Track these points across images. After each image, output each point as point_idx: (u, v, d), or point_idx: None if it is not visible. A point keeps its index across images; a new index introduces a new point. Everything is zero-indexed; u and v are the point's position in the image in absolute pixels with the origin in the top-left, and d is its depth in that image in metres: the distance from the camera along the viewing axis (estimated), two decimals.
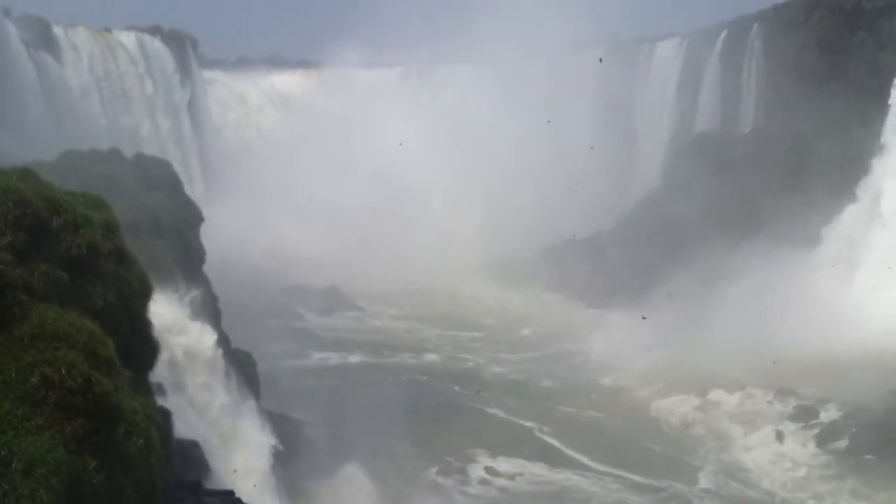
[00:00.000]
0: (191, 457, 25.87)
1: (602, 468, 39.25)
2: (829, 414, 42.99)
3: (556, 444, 41.73)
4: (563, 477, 38.45)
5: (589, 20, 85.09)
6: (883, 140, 61.40)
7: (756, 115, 75.41)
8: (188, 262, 33.40)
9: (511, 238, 74.30)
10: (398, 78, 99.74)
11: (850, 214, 60.64)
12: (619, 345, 53.85)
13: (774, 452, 40.40)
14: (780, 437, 41.49)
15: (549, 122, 71.73)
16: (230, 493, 24.66)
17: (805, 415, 43.22)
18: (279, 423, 34.76)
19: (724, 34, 79.96)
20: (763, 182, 64.90)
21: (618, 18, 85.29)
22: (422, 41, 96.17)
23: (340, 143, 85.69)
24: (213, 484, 25.45)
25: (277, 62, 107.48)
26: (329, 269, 67.77)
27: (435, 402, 46.14)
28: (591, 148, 68.17)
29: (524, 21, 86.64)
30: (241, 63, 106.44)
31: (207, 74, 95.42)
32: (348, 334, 59.38)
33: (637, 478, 38.28)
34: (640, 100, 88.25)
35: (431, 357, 54.95)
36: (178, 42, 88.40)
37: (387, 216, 78.60)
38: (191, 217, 37.58)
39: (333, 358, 53.82)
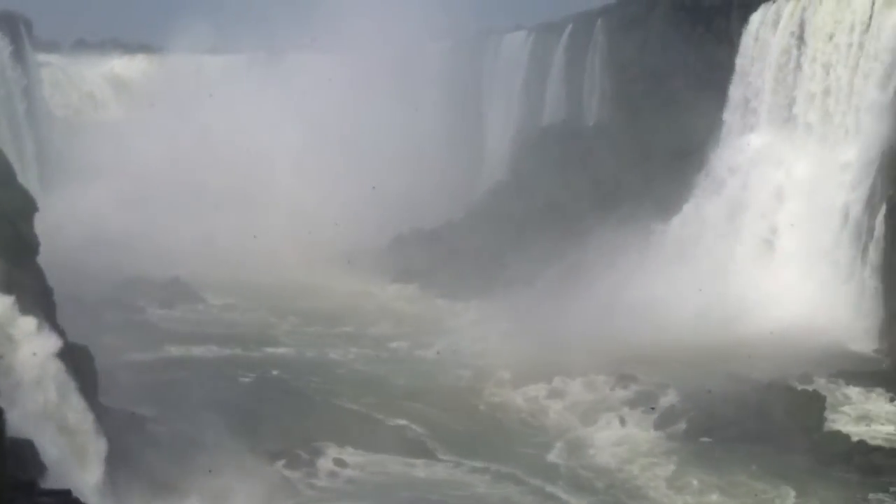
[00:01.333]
0: (25, 456, 24.82)
1: (452, 457, 39.39)
2: (668, 399, 44.19)
3: (408, 434, 41.70)
4: (413, 467, 38.47)
5: (441, 10, 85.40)
6: (719, 134, 63.82)
7: (601, 108, 77.25)
8: (19, 253, 31.88)
9: (363, 227, 74.00)
10: (245, 64, 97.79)
11: (692, 205, 62.79)
12: (470, 335, 54.28)
13: (617, 437, 41.32)
14: (622, 422, 42.53)
15: (414, 110, 71.71)
16: (67, 493, 23.73)
17: (645, 400, 44.39)
18: (118, 418, 33.62)
19: (569, 28, 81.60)
20: (608, 174, 66.58)
21: (469, 9, 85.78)
22: (270, 27, 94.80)
23: (184, 130, 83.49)
24: (50, 483, 24.48)
25: (117, 46, 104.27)
26: (173, 258, 65.99)
27: (284, 396, 45.45)
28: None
29: (376, 9, 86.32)
30: (78, 46, 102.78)
31: (42, 58, 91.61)
32: (194, 327, 57.92)
33: (484, 465, 38.57)
34: (488, 91, 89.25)
35: (282, 350, 54.12)
36: (11, 24, 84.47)
37: (234, 204, 77.10)
38: (23, 207, 35.87)
39: (178, 351, 52.38)
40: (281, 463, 37.37)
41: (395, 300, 65.50)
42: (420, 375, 49.47)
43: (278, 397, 44.98)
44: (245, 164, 79.28)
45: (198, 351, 52.84)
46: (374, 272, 69.76)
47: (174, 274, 64.84)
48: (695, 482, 36.93)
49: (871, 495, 35.81)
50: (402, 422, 42.98)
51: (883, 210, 50.48)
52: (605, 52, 77.49)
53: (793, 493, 35.89)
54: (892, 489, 35.84)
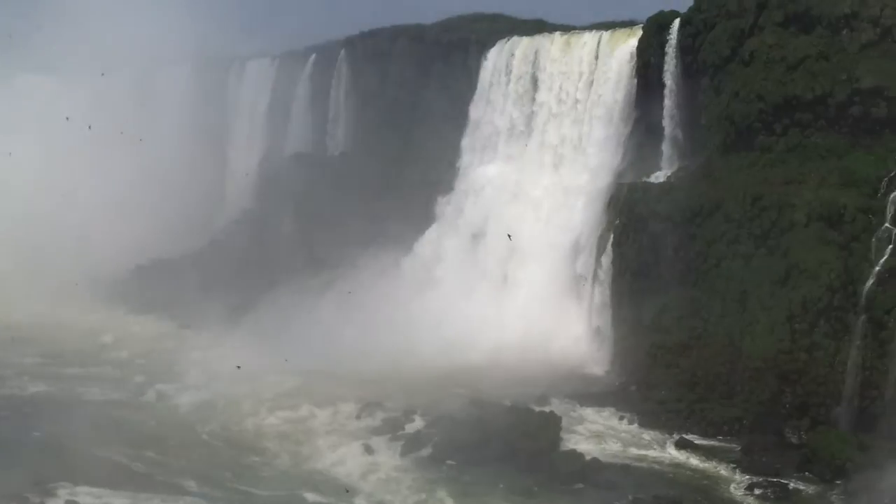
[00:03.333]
0: None
1: (194, 489, 38.26)
2: (413, 425, 44.84)
3: (145, 469, 40.09)
4: (151, 502, 37.03)
5: (183, 32, 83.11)
6: (459, 164, 65.69)
7: (346, 138, 77.78)
8: None
9: (101, 257, 70.83)
10: None
11: (435, 232, 64.17)
12: (213, 366, 52.88)
13: (363, 464, 41.38)
14: (368, 450, 42.64)
15: (140, 140, 69.37)
16: None
17: (392, 426, 44.81)
18: None
19: (313, 57, 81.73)
20: (353, 203, 66.95)
21: (213, 32, 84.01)
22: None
23: None
24: None
25: None
26: None
27: (11, 437, 42.61)
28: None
29: (114, 30, 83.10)
30: None
31: None
32: None
33: (227, 496, 37.66)
34: (232, 119, 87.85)
35: (9, 390, 50.72)
36: None
37: None
38: None
39: None
40: None
41: (133, 332, 62.92)
42: (161, 410, 47.70)
43: (8, 440, 42.07)
44: None
45: None
46: (112, 304, 66.93)
47: None
48: None
49: None
50: (141, 456, 41.28)
51: (611, 238, 53.43)
52: (349, 82, 78.21)
53: None
54: (625, 503, 37.72)
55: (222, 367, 51.30)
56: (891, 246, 42.68)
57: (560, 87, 60.36)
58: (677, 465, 41.57)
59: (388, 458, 42.14)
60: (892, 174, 44.23)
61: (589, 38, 60.02)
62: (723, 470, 41.04)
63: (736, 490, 39.40)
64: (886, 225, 43.17)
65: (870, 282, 42.67)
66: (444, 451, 41.80)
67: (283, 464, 41.58)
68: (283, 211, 70.09)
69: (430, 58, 72.31)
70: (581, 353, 52.36)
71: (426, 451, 42.23)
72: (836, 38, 47.88)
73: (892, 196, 43.50)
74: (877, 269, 42.71)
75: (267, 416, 46.05)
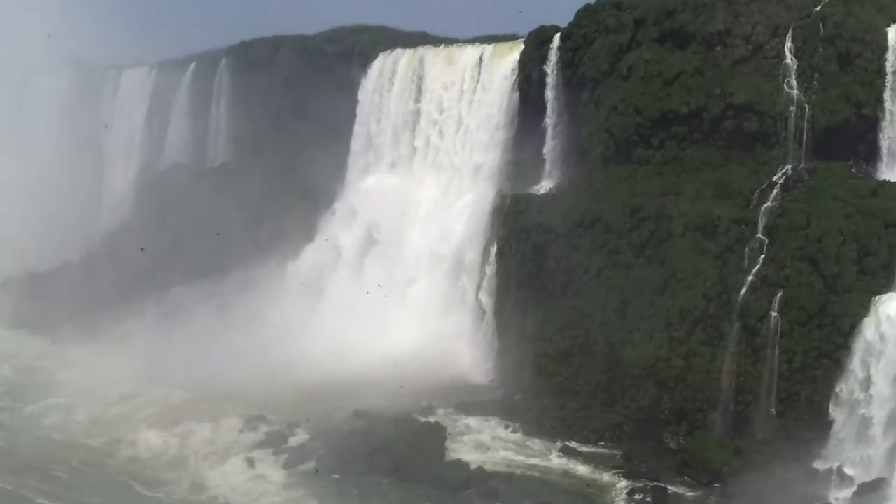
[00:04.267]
0: None
1: None
2: (297, 438, 44.38)
3: (15, 489, 38.62)
4: None
5: (50, 42, 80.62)
6: (344, 175, 65.42)
7: (226, 149, 76.59)
8: None
9: None
10: None
11: (319, 244, 63.72)
12: (90, 381, 51.32)
13: (246, 479, 40.73)
14: (250, 463, 41.98)
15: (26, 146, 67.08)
16: None
17: (275, 440, 44.23)
18: None
19: (192, 66, 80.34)
20: (236, 215, 65.87)
21: (82, 42, 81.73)
22: None
23: None
24: None
25: None
26: None
27: None
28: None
29: None
30: None
31: None
32: None
33: None
34: (110, 128, 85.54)
35: None
36: None
37: None
38: None
39: None
40: None
41: (3, 350, 60.58)
42: (36, 430, 46.04)
43: None
44: None
45: None
46: None
47: None
48: None
49: None
50: (12, 479, 39.72)
51: (494, 249, 53.89)
52: (230, 92, 77.08)
53: None
54: None
55: (98, 385, 49.91)
56: (763, 255, 44.07)
57: (444, 99, 60.70)
58: (561, 473, 42.06)
59: (270, 472, 41.59)
60: (764, 186, 45.71)
61: (472, 51, 60.60)
62: (605, 476, 41.69)
63: (617, 496, 40.06)
64: (758, 235, 44.53)
65: (743, 290, 43.94)
66: (329, 464, 41.44)
67: (161, 483, 40.54)
68: (163, 222, 68.62)
69: (314, 68, 71.89)
70: (466, 363, 52.60)
71: (310, 465, 41.80)
72: (710, 54, 49.23)
73: (763, 207, 44.94)
74: (750, 277, 44.00)
75: (146, 434, 44.90)
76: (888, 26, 45.31)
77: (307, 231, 63.88)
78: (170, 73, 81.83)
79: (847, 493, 38.18)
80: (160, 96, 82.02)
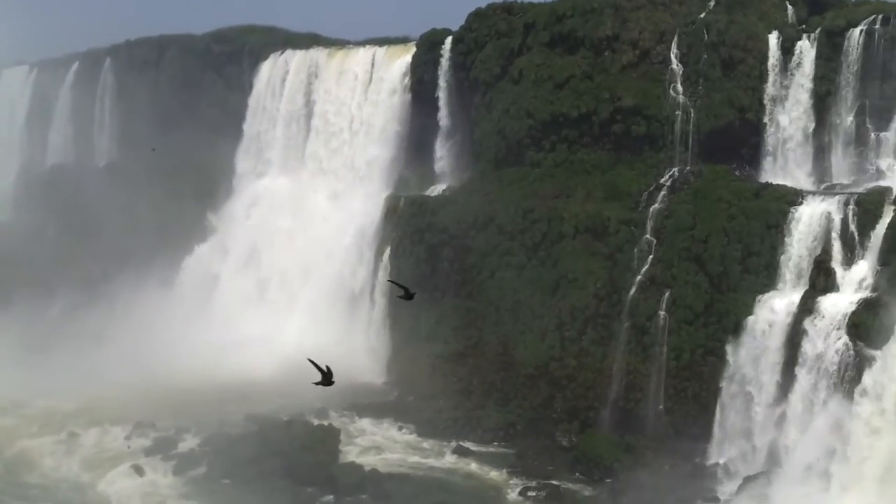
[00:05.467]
0: None
1: None
2: (187, 443, 43.54)
3: None
4: None
5: None
6: (234, 177, 64.52)
7: (112, 149, 74.84)
8: None
9: None
10: None
11: (208, 246, 62.64)
12: None
13: (134, 486, 39.78)
14: (139, 471, 40.99)
15: None
16: None
17: (164, 446, 43.28)
18: None
19: (75, 66, 78.37)
20: (122, 217, 64.30)
21: None
22: None
23: None
24: None
25: None
26: None
27: None
28: None
29: None
30: None
31: None
32: None
33: None
34: None
35: None
36: None
37: None
38: None
39: None
40: None
41: None
42: None
43: None
44: None
45: None
46: None
47: None
48: None
49: None
50: None
51: (388, 251, 53.77)
52: (115, 92, 75.39)
53: None
54: None
55: None
56: (651, 256, 45.00)
57: (336, 101, 60.37)
58: (455, 473, 42.24)
59: (159, 478, 40.70)
60: (652, 188, 46.67)
61: (364, 53, 60.46)
62: (498, 475, 42.00)
63: (510, 494, 40.40)
64: (647, 236, 45.46)
65: (632, 290, 44.82)
66: (220, 469, 40.73)
67: (48, 491, 39.24)
68: (45, 223, 66.53)
69: (202, 69, 70.84)
70: (360, 365, 52.17)
71: (200, 470, 41.06)
72: (599, 58, 50.10)
73: (651, 209, 45.89)
74: (639, 278, 44.88)
75: (31, 444, 43.43)
76: (769, 33, 46.84)
77: (197, 233, 62.77)
78: (51, 72, 79.76)
79: (732, 486, 39.17)
80: (42, 96, 79.74)
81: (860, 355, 37.15)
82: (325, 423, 44.99)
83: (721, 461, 40.65)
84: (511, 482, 41.30)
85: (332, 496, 39.26)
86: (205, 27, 74.34)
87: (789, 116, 46.10)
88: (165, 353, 50.47)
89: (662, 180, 46.89)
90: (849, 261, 40.19)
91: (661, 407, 43.07)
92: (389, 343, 52.69)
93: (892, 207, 39.79)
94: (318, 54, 62.34)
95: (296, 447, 41.49)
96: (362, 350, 53.19)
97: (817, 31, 45.92)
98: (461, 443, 44.57)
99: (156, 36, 75.97)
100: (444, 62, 55.23)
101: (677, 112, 47.47)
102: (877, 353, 36.49)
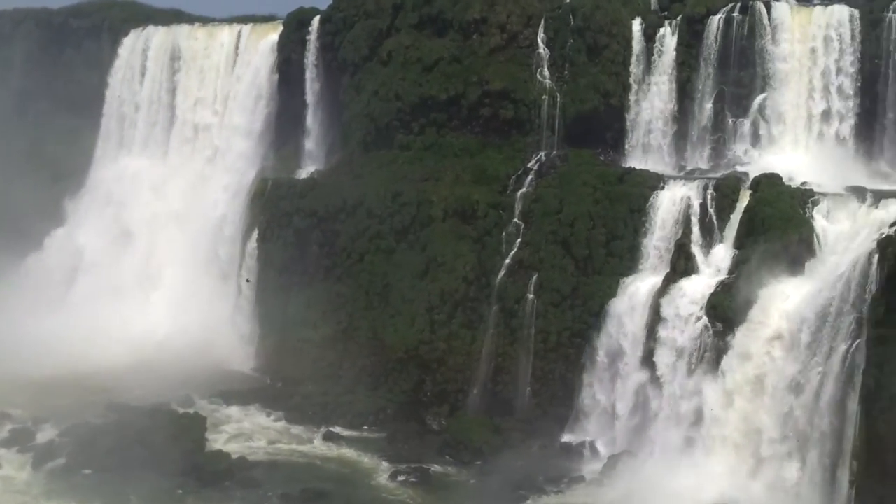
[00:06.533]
0: None
1: None
2: (45, 434, 42.10)
3: None
4: None
5: None
6: (94, 158, 62.45)
7: None
8: None
9: None
10: None
11: (67, 230, 60.54)
12: None
13: None
14: None
15: None
16: None
17: (21, 438, 41.76)
18: None
19: None
20: None
21: None
22: None
23: None
24: None
25: None
26: None
27: None
28: None
29: None
30: None
31: None
32: None
33: None
34: None
35: None
36: None
37: None
38: None
39: None
40: None
41: None
42: None
43: None
44: None
45: None
46: None
47: None
48: None
49: None
50: None
51: (255, 234, 52.86)
52: None
53: None
54: (273, 499, 37.58)
55: None
56: (519, 239, 45.47)
57: (200, 80, 59.03)
58: (325, 458, 41.95)
59: (16, 472, 39.21)
60: (520, 172, 47.13)
61: (230, 31, 59.19)
62: (369, 459, 41.91)
63: (381, 478, 40.33)
64: (515, 220, 45.92)
65: (501, 273, 45.25)
66: (80, 460, 39.45)
67: None
68: None
69: (59, 44, 68.26)
70: (227, 351, 51.44)
71: (60, 462, 39.70)
72: (467, 42, 50.13)
73: (519, 193, 46.36)
74: (507, 261, 45.35)
75: None
76: (632, 19, 47.73)
77: (55, 217, 60.59)
78: None
79: (598, 466, 40.04)
80: None
81: (718, 335, 38.37)
82: (191, 411, 44.08)
83: (587, 440, 41.47)
84: (381, 466, 41.22)
85: (198, 485, 38.42)
86: (62, 1, 71.39)
87: (651, 102, 47.08)
88: (20, 343, 48.62)
89: (530, 164, 47.38)
90: (708, 244, 41.33)
91: (530, 389, 43.72)
92: (257, 329, 51.93)
93: (749, 192, 41.11)
94: (181, 31, 60.72)
95: (160, 436, 40.40)
96: (229, 336, 52.31)
97: (678, 19, 46.96)
98: (331, 428, 44.29)
99: (9, 9, 72.91)
100: (312, 42, 54.44)
101: (544, 96, 47.95)
102: (733, 333, 37.78)
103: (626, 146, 47.37)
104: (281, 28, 56.17)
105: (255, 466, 39.96)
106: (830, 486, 34.05)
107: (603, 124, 47.49)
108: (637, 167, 45.51)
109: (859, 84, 44.25)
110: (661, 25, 47.35)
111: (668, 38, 46.92)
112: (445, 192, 47.53)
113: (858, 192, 39.54)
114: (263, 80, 56.22)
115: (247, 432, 44.07)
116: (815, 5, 45.96)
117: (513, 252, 45.36)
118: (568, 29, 48.40)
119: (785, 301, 37.34)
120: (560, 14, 48.90)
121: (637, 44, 47.45)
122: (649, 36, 47.30)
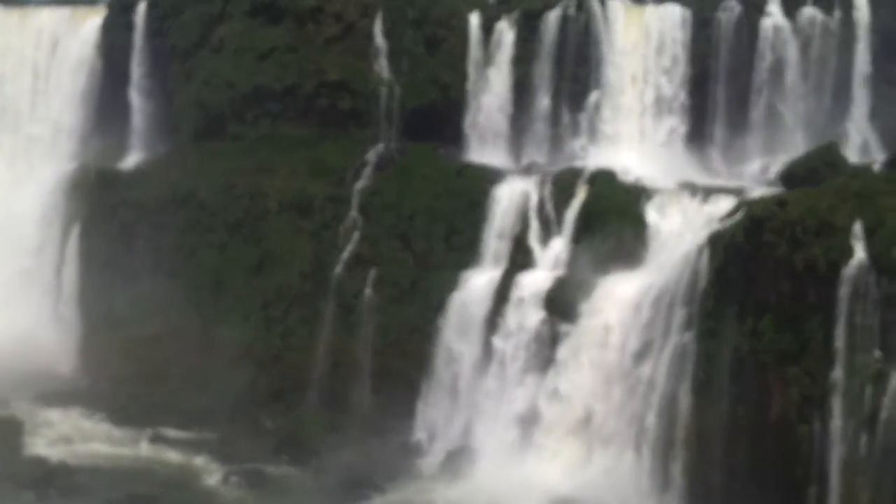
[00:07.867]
0: None
1: None
2: None
3: None
4: None
5: None
6: None
7: None
8: None
9: None
10: None
11: None
12: None
13: None
14: None
15: None
16: None
17: None
18: None
19: None
20: None
21: None
22: None
23: None
24: None
25: None
26: None
27: None
28: None
29: None
30: None
31: None
32: None
33: None
34: None
35: None
36: None
37: None
38: None
39: None
40: None
41: None
42: None
43: None
44: None
45: None
46: None
47: None
48: None
49: None
50: None
51: (77, 228, 50.33)
52: None
53: None
54: None
55: None
56: (357, 233, 44.83)
57: (16, 65, 55.89)
58: (152, 461, 40.40)
59: None
60: (358, 165, 46.46)
61: (49, 13, 56.15)
62: (199, 461, 40.50)
63: (211, 480, 39.10)
64: (353, 213, 45.27)
65: (338, 268, 44.52)
66: None
67: None
68: None
69: None
70: (48, 352, 48.61)
71: None
72: (302, 30, 48.99)
73: (357, 186, 45.71)
74: (344, 255, 44.65)
75: None
76: (470, 12, 47.81)
77: None
78: None
79: (436, 460, 39.90)
80: None
81: (554, 328, 38.87)
82: (6, 414, 41.65)
83: (425, 436, 41.25)
84: (213, 468, 39.86)
85: (14, 493, 36.23)
86: None
87: (490, 97, 47.26)
88: None
89: (368, 157, 46.73)
90: (546, 239, 41.83)
91: (369, 385, 43.19)
92: (80, 328, 49.34)
93: (585, 187, 41.78)
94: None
95: None
96: (49, 336, 49.52)
97: (516, 13, 47.28)
98: (158, 430, 42.50)
99: None
100: (139, 27, 52.19)
101: (382, 88, 47.45)
102: (569, 326, 38.45)
103: (465, 140, 47.34)
104: (105, 11, 53.69)
105: (77, 471, 38.05)
106: (663, 475, 34.98)
107: (442, 117, 47.34)
108: (476, 161, 45.62)
109: (691, 82, 45.63)
110: (499, 19, 47.53)
111: (506, 32, 47.16)
112: (281, 184, 46.44)
113: (690, 188, 40.74)
114: (86, 66, 53.54)
115: (68, 436, 42.03)
116: (647, 4, 47.06)
117: (350, 246, 44.68)
118: (406, 21, 48.07)
119: (619, 295, 38.13)
120: (398, 5, 48.44)
121: (475, 37, 47.52)
122: (487, 29, 47.43)
